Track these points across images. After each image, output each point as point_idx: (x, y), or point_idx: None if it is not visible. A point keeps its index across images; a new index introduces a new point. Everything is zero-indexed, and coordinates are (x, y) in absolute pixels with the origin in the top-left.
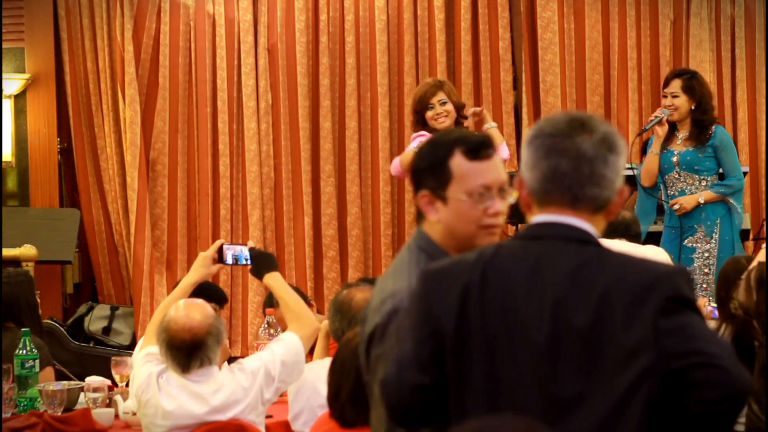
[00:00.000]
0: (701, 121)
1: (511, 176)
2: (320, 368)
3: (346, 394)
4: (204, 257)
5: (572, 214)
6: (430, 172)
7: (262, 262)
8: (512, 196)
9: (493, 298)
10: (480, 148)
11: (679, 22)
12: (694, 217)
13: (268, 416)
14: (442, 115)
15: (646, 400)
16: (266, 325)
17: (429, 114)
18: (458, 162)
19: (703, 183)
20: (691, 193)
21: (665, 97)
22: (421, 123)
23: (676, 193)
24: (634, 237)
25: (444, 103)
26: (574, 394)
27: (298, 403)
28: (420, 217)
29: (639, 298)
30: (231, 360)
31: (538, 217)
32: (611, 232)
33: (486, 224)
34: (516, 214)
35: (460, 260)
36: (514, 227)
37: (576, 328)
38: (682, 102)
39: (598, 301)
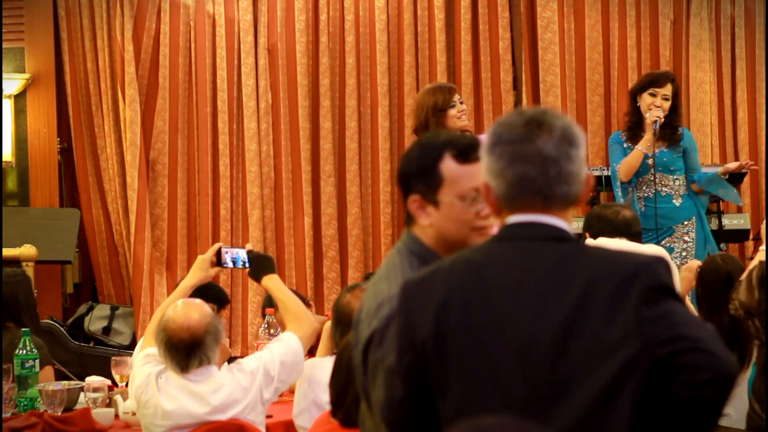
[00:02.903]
0: (673, 125)
1: None
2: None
3: (353, 397)
4: (202, 260)
5: (545, 213)
6: (420, 177)
7: (260, 265)
8: None
9: (472, 302)
10: (470, 151)
11: (679, 22)
12: (674, 217)
13: (268, 416)
14: (464, 113)
15: (634, 390)
16: (266, 325)
17: (452, 111)
18: (448, 166)
19: (677, 182)
20: (667, 194)
21: (654, 96)
22: (434, 124)
23: (650, 195)
24: (635, 236)
25: (461, 102)
26: (558, 389)
27: (306, 399)
28: (409, 220)
29: (620, 289)
30: (231, 360)
31: (512, 218)
32: (611, 231)
33: (478, 226)
34: None
35: (438, 268)
36: None
37: (558, 323)
38: (668, 105)
39: (579, 296)
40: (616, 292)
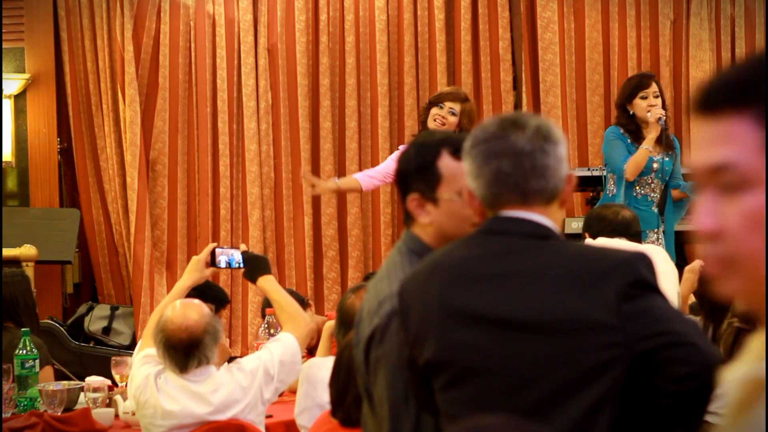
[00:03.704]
0: (666, 125)
1: None
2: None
3: (353, 397)
4: (197, 261)
5: (526, 209)
6: (418, 175)
7: (255, 266)
8: None
9: (456, 297)
10: None
11: (679, 22)
12: (651, 222)
13: (268, 416)
14: (441, 119)
15: (615, 386)
16: (266, 325)
17: (434, 111)
18: (446, 163)
19: (660, 191)
20: (651, 200)
21: (645, 98)
22: (425, 114)
23: (639, 197)
24: (634, 236)
25: (453, 114)
26: (535, 380)
27: (308, 399)
28: (407, 219)
29: (599, 284)
30: (230, 360)
31: (496, 214)
32: (611, 231)
33: (478, 222)
34: None
35: (423, 266)
36: None
37: (538, 317)
38: (660, 102)
39: (559, 291)
40: (595, 288)
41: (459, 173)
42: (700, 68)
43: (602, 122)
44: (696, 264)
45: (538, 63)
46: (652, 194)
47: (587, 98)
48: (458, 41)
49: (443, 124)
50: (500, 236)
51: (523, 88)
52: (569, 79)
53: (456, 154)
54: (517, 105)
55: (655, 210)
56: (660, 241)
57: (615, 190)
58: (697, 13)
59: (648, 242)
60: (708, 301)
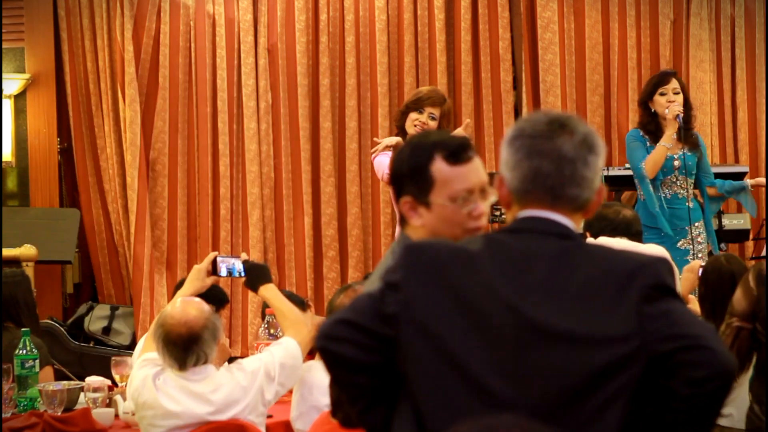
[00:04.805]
0: (687, 123)
1: (491, 176)
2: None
3: None
4: (198, 270)
5: (552, 210)
6: (411, 178)
7: (256, 274)
8: (493, 196)
9: (470, 285)
10: (460, 152)
11: (679, 22)
12: (687, 218)
13: (268, 416)
14: (421, 125)
15: (629, 385)
16: (266, 326)
17: (414, 115)
18: (439, 167)
19: (691, 186)
20: (683, 197)
21: (664, 94)
22: (402, 118)
23: (669, 197)
24: (635, 236)
25: (433, 119)
26: (549, 375)
27: (305, 403)
28: (403, 220)
29: (621, 286)
30: (231, 360)
31: (521, 213)
32: (612, 231)
33: (470, 227)
34: None
35: (442, 242)
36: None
37: (558, 312)
38: (681, 98)
39: (579, 289)
40: (618, 289)
41: (452, 178)
42: (700, 68)
43: (602, 122)
44: (695, 264)
45: (538, 63)
46: (681, 191)
47: (587, 98)
48: (458, 41)
49: (419, 126)
50: (522, 234)
51: (523, 88)
52: (569, 79)
53: (450, 158)
54: (517, 105)
55: (691, 205)
56: (701, 235)
57: (645, 196)
58: (697, 13)
59: (690, 238)
60: (708, 300)
